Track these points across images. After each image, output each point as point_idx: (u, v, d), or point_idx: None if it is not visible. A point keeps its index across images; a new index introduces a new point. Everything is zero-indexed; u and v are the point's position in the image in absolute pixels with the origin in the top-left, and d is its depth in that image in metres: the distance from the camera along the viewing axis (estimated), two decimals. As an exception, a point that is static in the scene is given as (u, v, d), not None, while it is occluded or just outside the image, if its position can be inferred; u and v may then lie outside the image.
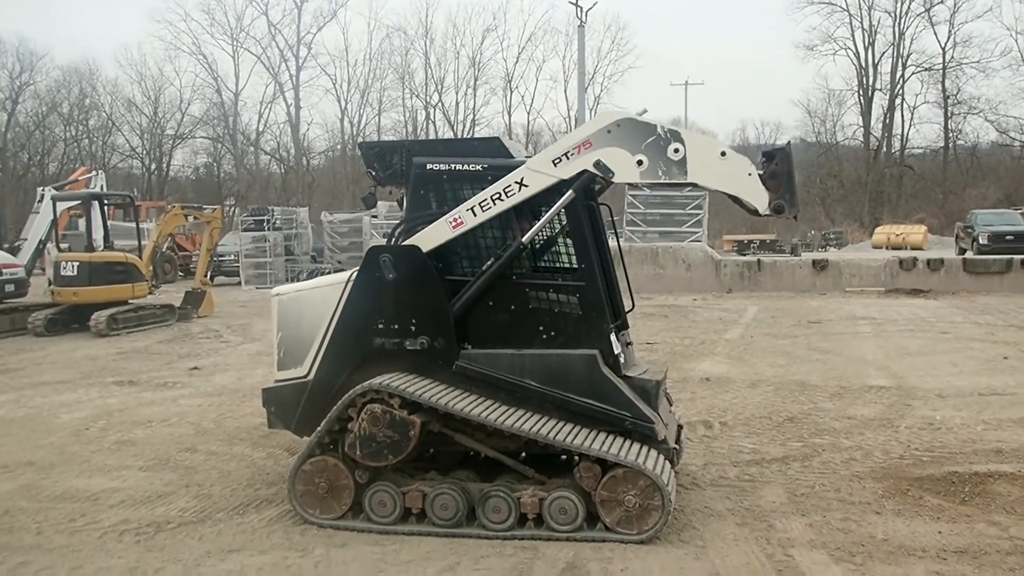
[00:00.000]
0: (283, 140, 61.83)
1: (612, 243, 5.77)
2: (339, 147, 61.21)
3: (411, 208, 5.28)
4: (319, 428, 4.99)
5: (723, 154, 4.93)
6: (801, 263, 21.75)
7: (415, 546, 4.73)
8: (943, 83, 54.23)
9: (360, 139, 54.05)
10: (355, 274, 5.27)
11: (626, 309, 5.74)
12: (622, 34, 78.90)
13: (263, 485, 5.91)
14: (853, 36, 56.14)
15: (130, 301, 15.51)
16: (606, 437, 4.88)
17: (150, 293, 16.33)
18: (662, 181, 4.95)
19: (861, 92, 56.60)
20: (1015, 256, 20.44)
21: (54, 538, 4.98)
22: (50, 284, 15.64)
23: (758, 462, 6.32)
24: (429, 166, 5.22)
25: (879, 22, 55.17)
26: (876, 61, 56.03)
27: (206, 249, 17.86)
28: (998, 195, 45.44)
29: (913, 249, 32.78)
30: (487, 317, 5.13)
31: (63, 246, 16.53)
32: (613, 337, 5.18)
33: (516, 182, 4.99)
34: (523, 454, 5.15)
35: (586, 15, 28.18)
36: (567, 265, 5.26)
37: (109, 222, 17.91)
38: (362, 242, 26.23)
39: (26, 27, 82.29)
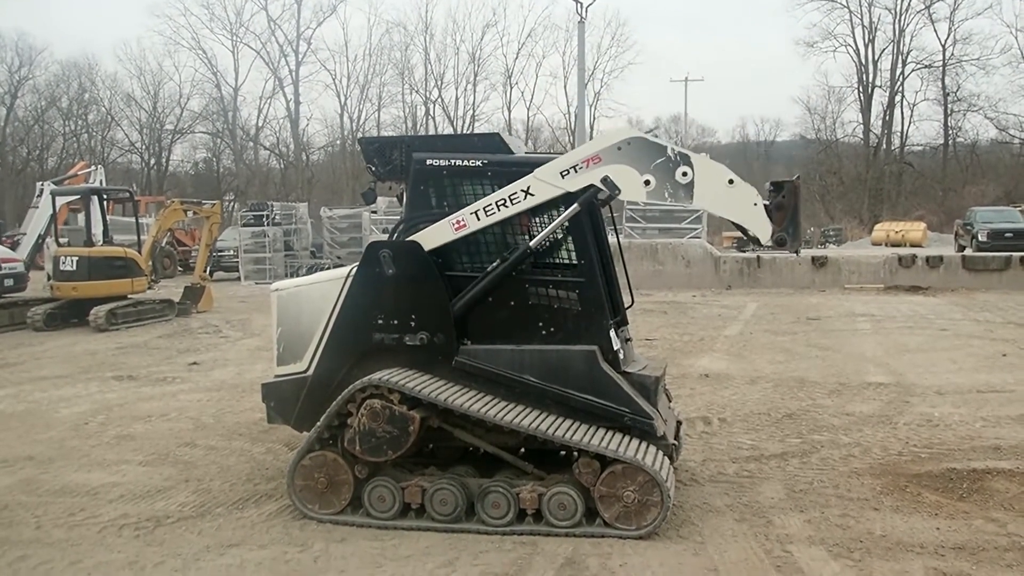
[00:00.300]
0: (282, 135, 61.84)
1: (612, 239, 5.76)
2: (338, 142, 61.18)
3: (411, 204, 5.28)
4: (318, 423, 5.00)
5: (731, 182, 4.94)
6: (800, 260, 21.74)
7: (414, 541, 4.74)
8: (943, 80, 54.21)
9: (360, 135, 53.84)
10: (355, 269, 5.28)
11: (625, 305, 5.75)
12: (622, 30, 79.21)
13: (262, 480, 5.92)
14: (853, 33, 56.13)
15: (129, 296, 15.50)
16: (605, 433, 4.90)
17: (149, 288, 16.31)
18: (667, 203, 4.96)
19: (861, 89, 56.54)
20: (1014, 253, 20.44)
21: (53, 532, 4.99)
22: (49, 279, 15.61)
23: (757, 458, 6.34)
24: (429, 162, 5.22)
25: (879, 19, 55.17)
26: (876, 58, 56.02)
27: (205, 244, 17.82)
28: (997, 192, 45.42)
29: (912, 246, 32.83)
30: (487, 313, 5.14)
31: (62, 241, 16.51)
32: (612, 333, 5.20)
33: (522, 190, 4.99)
34: (522, 450, 5.16)
35: (586, 11, 27.92)
36: (567, 261, 5.25)
37: (108, 217, 17.90)
38: (361, 238, 26.18)
39: (25, 22, 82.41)
